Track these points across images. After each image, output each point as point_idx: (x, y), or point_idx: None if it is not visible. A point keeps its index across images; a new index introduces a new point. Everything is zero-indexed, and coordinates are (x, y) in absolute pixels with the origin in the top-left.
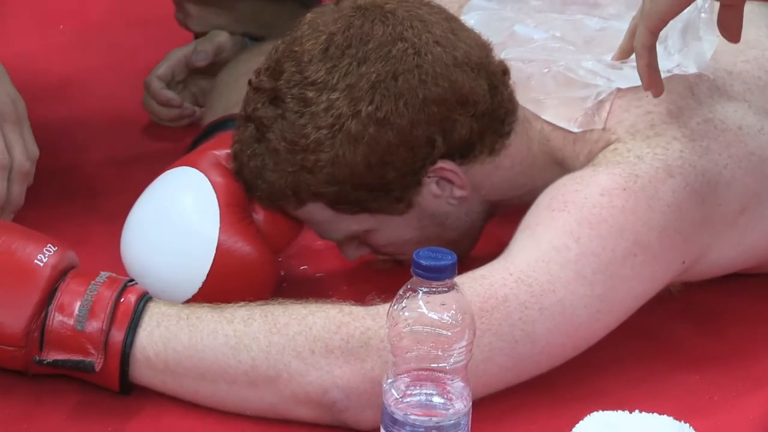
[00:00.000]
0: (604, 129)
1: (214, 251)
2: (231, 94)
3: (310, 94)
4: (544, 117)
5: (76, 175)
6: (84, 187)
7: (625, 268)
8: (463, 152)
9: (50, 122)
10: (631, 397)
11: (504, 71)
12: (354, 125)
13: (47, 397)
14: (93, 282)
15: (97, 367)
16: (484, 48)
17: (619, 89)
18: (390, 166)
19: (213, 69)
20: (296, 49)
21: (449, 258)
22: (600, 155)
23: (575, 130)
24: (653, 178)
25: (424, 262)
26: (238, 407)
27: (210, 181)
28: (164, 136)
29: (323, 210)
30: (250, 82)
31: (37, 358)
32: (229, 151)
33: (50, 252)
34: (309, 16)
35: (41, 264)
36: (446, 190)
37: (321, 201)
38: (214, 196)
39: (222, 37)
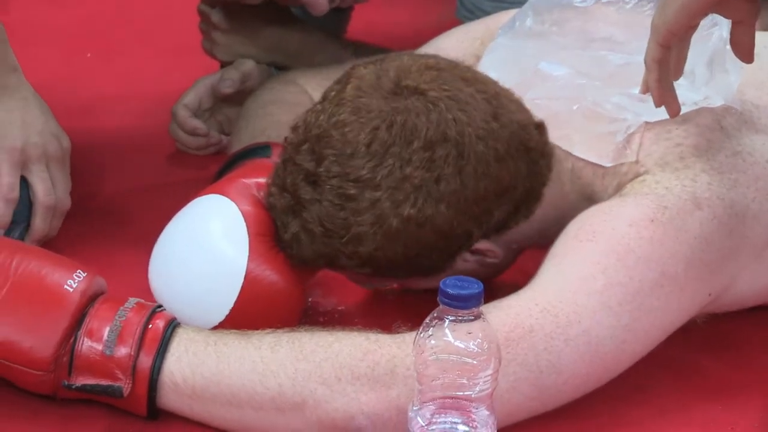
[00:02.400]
0: (634, 162)
1: (242, 280)
2: (257, 122)
3: (352, 191)
4: (575, 153)
5: (102, 202)
6: (110, 213)
7: (651, 299)
8: (499, 229)
9: (76, 149)
10: (653, 427)
11: (544, 142)
12: (395, 224)
13: (75, 422)
14: (122, 308)
15: (125, 393)
16: (526, 128)
17: (647, 122)
18: (426, 256)
19: (239, 97)
20: (337, 136)
21: (476, 287)
22: (628, 186)
23: (607, 164)
24: (681, 209)
25: (450, 291)
26: None
27: (240, 210)
28: (190, 164)
29: (357, 275)
30: (287, 142)
31: (66, 383)
32: (258, 179)
33: (79, 278)
34: (350, 92)
35: (71, 290)
36: (478, 258)
37: (355, 273)
38: (244, 224)
39: (248, 66)
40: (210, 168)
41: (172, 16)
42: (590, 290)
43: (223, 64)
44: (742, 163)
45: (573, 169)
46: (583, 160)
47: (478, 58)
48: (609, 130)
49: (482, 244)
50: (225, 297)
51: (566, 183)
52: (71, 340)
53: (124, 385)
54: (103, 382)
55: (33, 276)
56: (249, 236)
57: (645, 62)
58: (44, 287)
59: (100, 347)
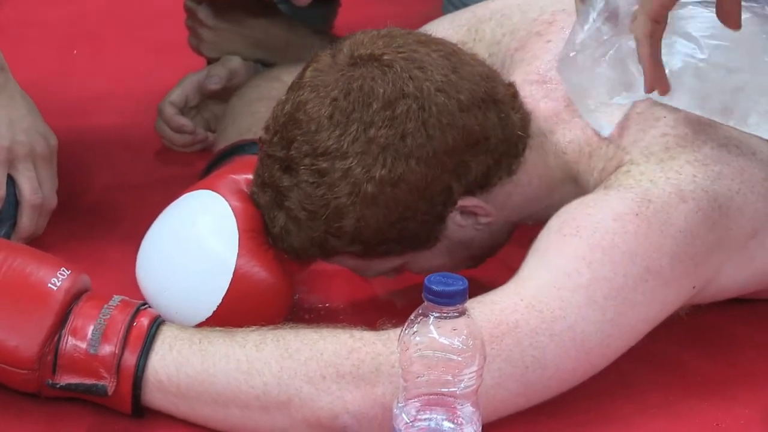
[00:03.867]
0: (618, 147)
1: (231, 275)
2: (243, 119)
3: (324, 165)
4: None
5: (89, 199)
6: (97, 211)
7: (636, 293)
8: (482, 184)
9: (63, 146)
10: (640, 423)
11: (513, 95)
12: (371, 189)
13: (60, 420)
14: (106, 305)
15: (110, 391)
16: (490, 79)
17: (637, 105)
18: (411, 219)
19: (226, 94)
20: (301, 116)
21: (460, 283)
22: (613, 177)
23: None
24: (666, 203)
25: (435, 288)
26: None
27: (229, 205)
28: (177, 161)
29: (353, 259)
30: (261, 141)
31: (50, 382)
32: (247, 175)
33: (64, 276)
34: (308, 74)
35: (55, 288)
36: (471, 220)
37: (348, 255)
38: (234, 220)
39: (235, 63)
40: (196, 165)
41: (159, 13)
42: (575, 285)
43: (210, 61)
44: (727, 155)
45: (558, 143)
46: (570, 135)
47: (464, 45)
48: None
49: (468, 200)
50: (213, 293)
51: (550, 155)
52: (55, 339)
53: (109, 383)
54: (88, 381)
55: (17, 274)
56: (238, 232)
57: (635, 37)
58: (28, 285)
59: (84, 345)
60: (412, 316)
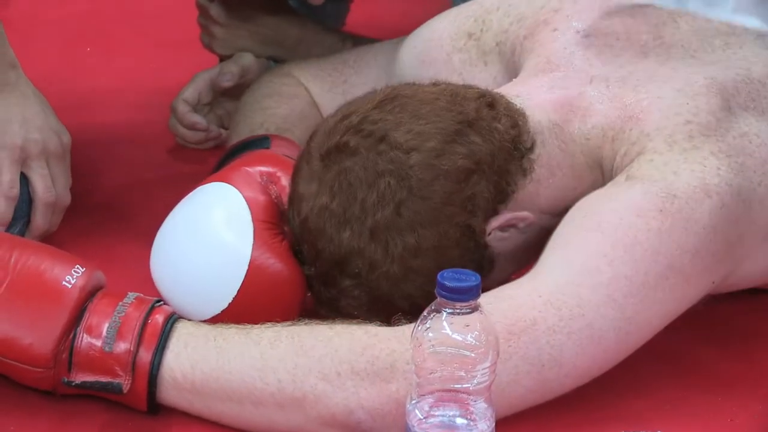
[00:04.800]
0: (642, 132)
1: (246, 267)
2: (255, 115)
3: (350, 269)
4: None
5: (102, 197)
6: (111, 208)
7: (657, 291)
8: (500, 200)
9: (76, 144)
10: (654, 418)
11: (489, 104)
12: (397, 269)
13: (75, 417)
14: (121, 303)
15: (125, 389)
16: (456, 104)
17: (659, 94)
18: (449, 264)
19: (238, 91)
20: (311, 228)
21: (473, 279)
22: (635, 165)
23: None
24: (690, 198)
25: (448, 284)
26: (264, 429)
27: (244, 197)
28: (190, 158)
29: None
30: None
31: (66, 380)
32: (261, 168)
33: (78, 273)
34: (299, 187)
35: (69, 285)
36: (512, 230)
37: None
38: (248, 211)
39: (247, 60)
40: (209, 162)
41: (171, 11)
42: (596, 283)
43: (222, 58)
44: (749, 144)
45: (579, 130)
46: (592, 121)
47: (471, 36)
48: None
49: (496, 220)
50: (228, 285)
51: (569, 143)
52: (71, 337)
53: (124, 381)
54: (103, 379)
55: (32, 272)
56: (253, 223)
57: None
58: (43, 283)
59: (99, 343)
60: (425, 312)
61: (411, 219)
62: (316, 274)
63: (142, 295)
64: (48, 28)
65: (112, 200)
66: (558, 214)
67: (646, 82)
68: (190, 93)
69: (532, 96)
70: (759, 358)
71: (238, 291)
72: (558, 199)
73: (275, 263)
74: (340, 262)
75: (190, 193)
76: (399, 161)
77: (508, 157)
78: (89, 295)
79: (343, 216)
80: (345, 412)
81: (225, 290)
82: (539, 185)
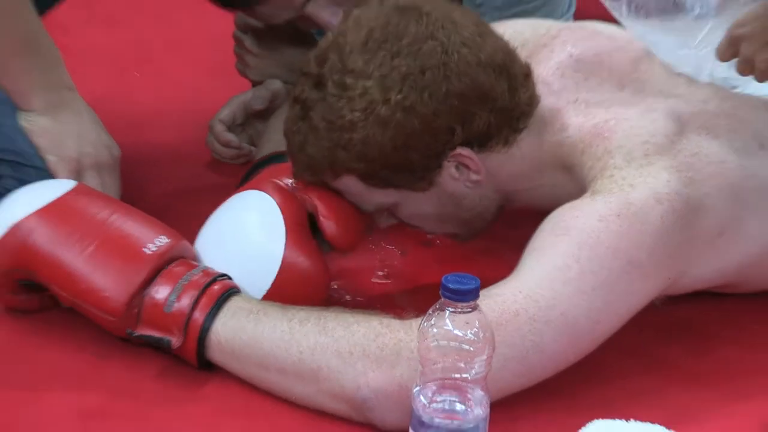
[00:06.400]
0: (606, 149)
1: (279, 264)
2: (280, 135)
3: (348, 81)
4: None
5: (148, 204)
6: (155, 212)
7: (619, 284)
8: (481, 142)
9: (125, 157)
10: (627, 408)
11: (526, 74)
12: (384, 110)
13: (138, 361)
14: (189, 272)
15: (174, 346)
16: (509, 53)
17: (625, 112)
18: (414, 149)
19: (268, 114)
20: (340, 40)
21: (473, 283)
22: (599, 182)
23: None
24: (644, 205)
25: (451, 286)
26: (284, 394)
27: (276, 203)
28: (224, 171)
29: (356, 183)
30: (301, 69)
31: (129, 331)
32: (286, 179)
33: (161, 243)
34: (355, 12)
35: (149, 252)
36: (463, 174)
37: (353, 175)
38: (281, 215)
39: (276, 85)
40: (241, 175)
41: (210, 40)
42: (566, 278)
43: (254, 84)
44: (698, 162)
45: (557, 134)
46: (568, 132)
47: None
48: None
49: (465, 151)
50: (263, 280)
51: (546, 143)
52: (142, 295)
53: (175, 339)
54: (157, 335)
55: (120, 235)
56: (285, 226)
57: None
58: (127, 246)
59: (161, 304)
60: (430, 311)
61: (427, 83)
62: (315, 72)
63: (210, 268)
64: (101, 54)
65: (156, 206)
66: (501, 198)
67: (617, 107)
68: (225, 114)
69: (543, 98)
70: (718, 354)
71: (272, 285)
72: (510, 182)
73: (304, 261)
74: (345, 72)
75: (227, 200)
76: (453, 41)
77: (509, 119)
78: (167, 261)
79: (380, 43)
80: (353, 388)
81: (260, 285)
82: (507, 161)
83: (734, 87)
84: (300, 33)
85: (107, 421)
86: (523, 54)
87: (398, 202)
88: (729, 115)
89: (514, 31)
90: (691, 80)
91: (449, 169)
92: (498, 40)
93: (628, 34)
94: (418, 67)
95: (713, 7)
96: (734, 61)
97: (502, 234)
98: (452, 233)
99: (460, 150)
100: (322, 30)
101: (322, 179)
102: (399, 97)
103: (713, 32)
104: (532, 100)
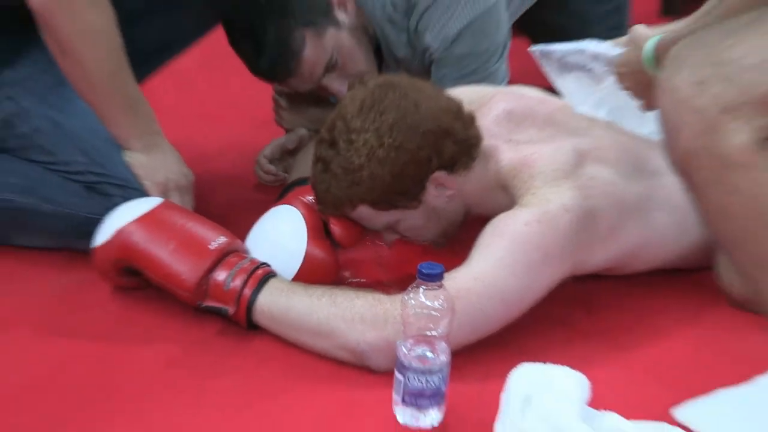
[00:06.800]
0: (530, 175)
1: (302, 258)
2: (305, 166)
3: (353, 137)
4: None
5: (213, 215)
6: (219, 220)
7: (539, 269)
8: (450, 167)
9: (196, 182)
10: (544, 356)
11: (472, 118)
12: (381, 152)
13: (202, 321)
14: (240, 261)
15: (230, 314)
16: (459, 104)
17: (542, 153)
18: (406, 176)
19: (296, 152)
20: (342, 111)
21: (439, 269)
22: (525, 198)
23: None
24: (556, 213)
25: (424, 271)
26: (308, 348)
27: (301, 214)
28: (265, 191)
29: (368, 210)
30: (318, 136)
31: (199, 303)
32: (309, 197)
33: (220, 241)
34: (350, 92)
35: (212, 247)
36: (441, 192)
37: (366, 204)
38: (304, 223)
39: (302, 132)
40: (277, 194)
41: (257, 101)
42: (502, 265)
43: (287, 131)
44: (594, 183)
45: (498, 163)
46: (505, 161)
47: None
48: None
49: (441, 174)
50: (291, 269)
51: (491, 171)
52: (208, 277)
53: (231, 308)
54: (219, 305)
55: (192, 235)
56: (307, 230)
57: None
58: (197, 242)
59: (222, 284)
60: (408, 288)
61: (409, 126)
62: (328, 137)
63: (256, 258)
64: (173, 109)
65: (218, 216)
66: (465, 210)
67: (538, 145)
68: (267, 152)
69: (485, 139)
70: (609, 317)
71: (298, 271)
72: (470, 198)
73: (320, 254)
74: (349, 131)
75: (268, 211)
76: (421, 98)
77: (467, 149)
78: (225, 254)
79: (370, 107)
80: (355, 344)
81: (289, 271)
82: (466, 182)
83: (621, 123)
84: (319, 97)
85: (183, 367)
86: (472, 109)
87: (399, 219)
88: (617, 147)
89: (462, 94)
90: (591, 121)
91: (431, 189)
92: (450, 97)
93: (543, 94)
94: (400, 116)
95: (608, 70)
96: (622, 103)
97: (458, 236)
98: (434, 241)
99: (437, 174)
100: (335, 96)
101: (343, 212)
102: (390, 140)
103: (610, 85)
104: (479, 136)
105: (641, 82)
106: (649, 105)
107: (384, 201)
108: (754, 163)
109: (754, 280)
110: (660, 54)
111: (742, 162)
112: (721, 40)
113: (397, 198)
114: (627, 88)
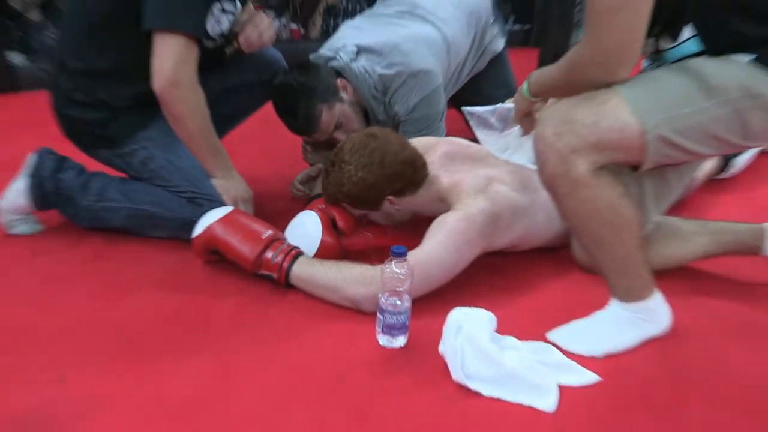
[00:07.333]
0: (459, 192)
1: (318, 243)
2: (320, 187)
3: (343, 165)
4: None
5: (263, 217)
6: (265, 220)
7: (464, 249)
8: (399, 193)
9: (254, 196)
10: (471, 303)
11: (423, 164)
12: (356, 179)
13: (259, 283)
14: (281, 245)
15: (275, 279)
16: (416, 153)
17: (468, 177)
18: (370, 196)
19: (316, 178)
20: (342, 146)
21: (404, 249)
22: (456, 206)
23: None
24: (474, 214)
25: (395, 250)
26: (325, 299)
27: (318, 216)
28: (297, 202)
29: (351, 207)
30: (328, 157)
31: (256, 271)
32: (322, 205)
33: (269, 231)
34: (349, 136)
35: (264, 236)
36: (392, 206)
37: (346, 203)
38: (319, 220)
39: (320, 166)
40: (303, 203)
41: (293, 147)
42: (443, 247)
43: (311, 165)
44: (498, 197)
45: (440, 185)
46: (443, 184)
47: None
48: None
49: (391, 198)
50: (312, 249)
51: (433, 191)
52: (262, 255)
53: (276, 275)
54: (267, 273)
55: (251, 230)
56: (321, 225)
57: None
58: (253, 233)
59: (270, 259)
60: (386, 261)
61: (374, 167)
62: (333, 164)
63: (291, 243)
64: (244, 151)
65: (268, 217)
66: (412, 215)
67: (465, 173)
68: (299, 178)
69: (431, 170)
70: (516, 278)
71: (316, 251)
72: (417, 208)
73: (330, 240)
74: (342, 162)
75: (298, 214)
76: (389, 150)
77: (412, 184)
78: (272, 241)
79: (355, 150)
80: (352, 296)
81: (310, 251)
82: (414, 200)
83: (514, 159)
84: (330, 144)
85: (249, 311)
86: (422, 151)
87: (368, 213)
88: (512, 173)
89: (419, 142)
90: (497, 158)
91: (386, 204)
92: (412, 148)
93: (468, 142)
94: (374, 161)
95: (509, 127)
96: (517, 145)
97: (415, 230)
98: (389, 226)
99: (389, 197)
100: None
101: (336, 203)
102: (361, 174)
103: (513, 134)
104: (425, 175)
105: (522, 110)
106: (526, 131)
107: (356, 204)
108: (592, 183)
109: (593, 254)
110: (531, 85)
111: (585, 183)
112: (570, 108)
113: (364, 205)
114: (516, 118)
